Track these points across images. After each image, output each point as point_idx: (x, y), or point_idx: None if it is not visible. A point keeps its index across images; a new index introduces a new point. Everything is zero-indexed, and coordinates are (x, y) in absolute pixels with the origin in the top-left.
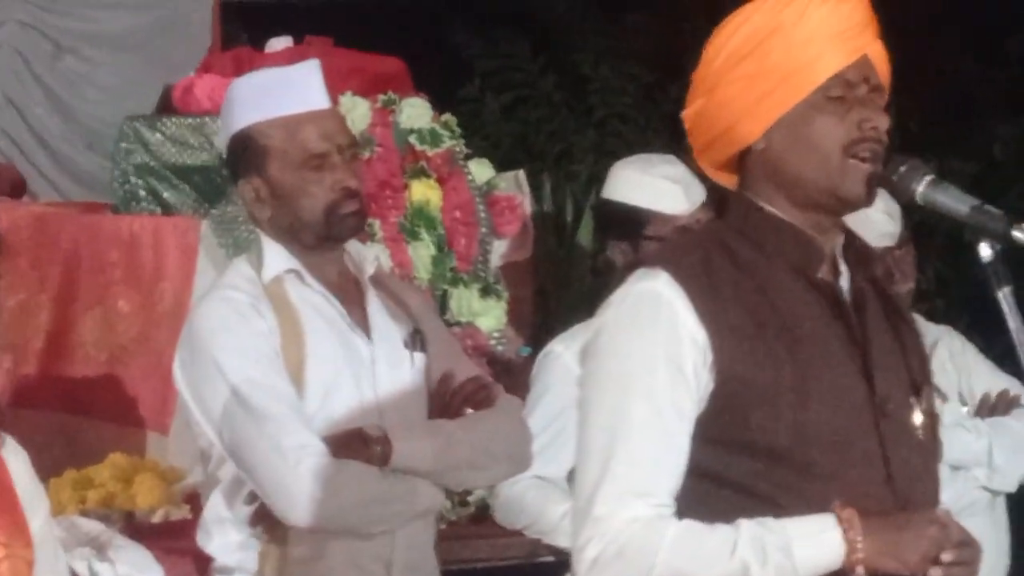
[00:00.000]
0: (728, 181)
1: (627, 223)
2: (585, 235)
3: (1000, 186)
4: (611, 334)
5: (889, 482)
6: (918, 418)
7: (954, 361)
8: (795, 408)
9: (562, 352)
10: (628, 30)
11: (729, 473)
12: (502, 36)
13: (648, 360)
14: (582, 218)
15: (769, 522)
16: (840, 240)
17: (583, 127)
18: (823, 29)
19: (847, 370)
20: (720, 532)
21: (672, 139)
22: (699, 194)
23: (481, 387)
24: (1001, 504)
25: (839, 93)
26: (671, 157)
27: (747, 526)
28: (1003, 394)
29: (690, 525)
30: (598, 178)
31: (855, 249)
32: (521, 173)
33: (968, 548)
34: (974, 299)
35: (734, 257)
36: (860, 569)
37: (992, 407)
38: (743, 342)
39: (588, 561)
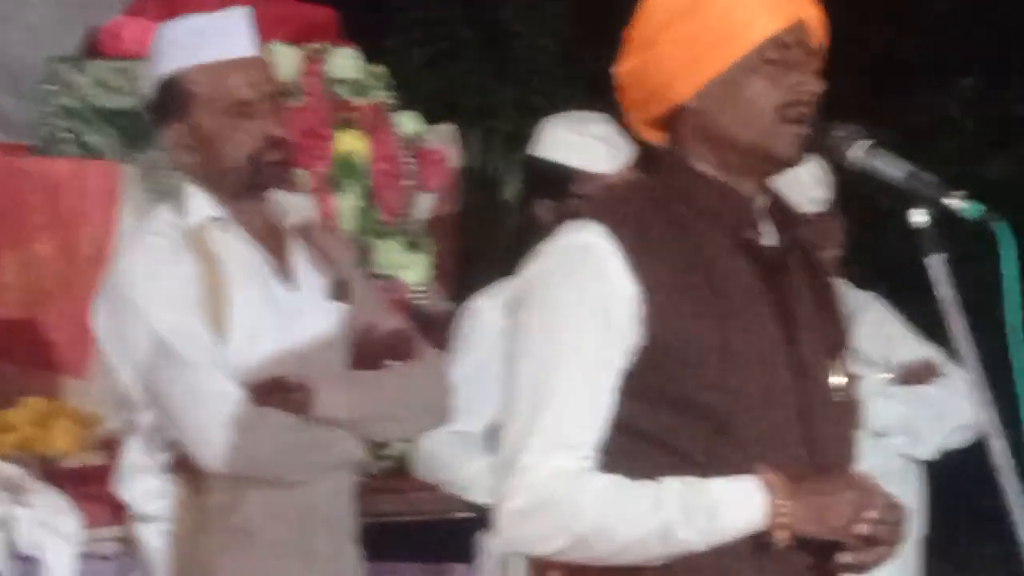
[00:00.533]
0: (656, 138)
1: (554, 180)
2: (510, 191)
3: (916, 154)
4: (541, 285)
5: (807, 443)
6: (838, 381)
7: (877, 328)
8: (720, 367)
9: (485, 307)
10: None
11: (652, 429)
12: None
13: (578, 312)
14: (507, 175)
15: (695, 483)
16: (766, 201)
17: (504, 83)
18: None
19: (771, 331)
20: (645, 489)
21: (593, 96)
22: (627, 154)
23: (403, 339)
24: (914, 472)
25: (774, 56)
26: (600, 115)
27: (673, 486)
28: (923, 362)
29: (616, 480)
30: (520, 135)
31: (781, 210)
32: (451, 127)
33: (893, 509)
34: (893, 266)
35: (666, 213)
36: (783, 533)
37: (912, 375)
38: (673, 298)
39: (511, 512)
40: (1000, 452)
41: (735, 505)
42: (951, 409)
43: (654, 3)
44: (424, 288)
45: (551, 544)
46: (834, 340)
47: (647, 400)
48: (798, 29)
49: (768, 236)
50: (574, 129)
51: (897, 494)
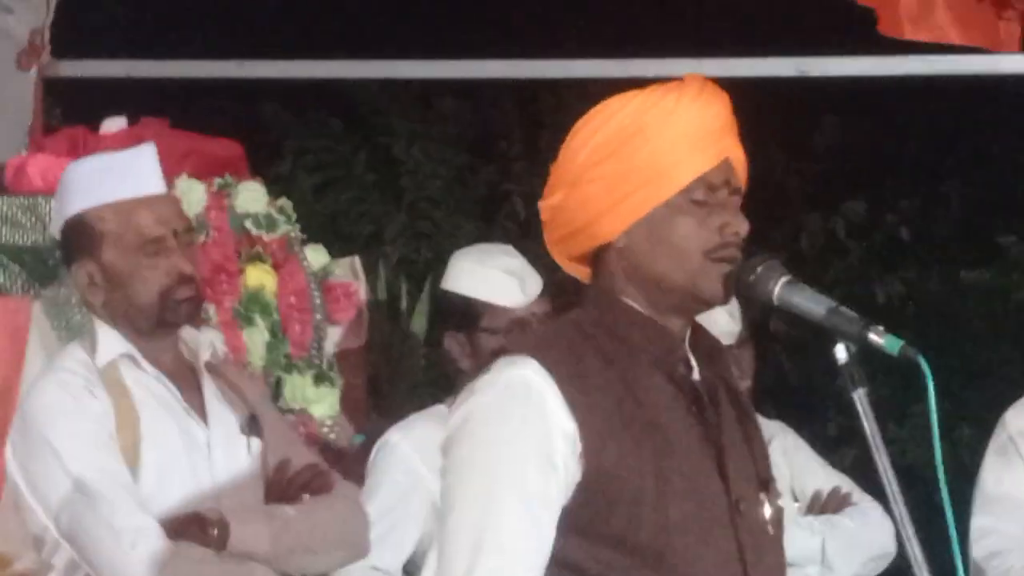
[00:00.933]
0: (580, 272)
1: (463, 314)
2: (419, 323)
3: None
4: (479, 422)
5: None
6: (767, 513)
7: (787, 458)
8: (656, 504)
9: (399, 441)
10: (439, 113)
11: (589, 565)
12: (314, 116)
13: (518, 450)
14: (416, 305)
15: None
16: (688, 335)
17: (394, 209)
18: (688, 132)
19: (704, 467)
20: None
21: (483, 222)
22: (536, 286)
23: (318, 473)
24: None
25: (701, 196)
26: (508, 248)
27: None
28: (834, 492)
29: None
30: (408, 260)
31: (705, 344)
32: (356, 259)
33: None
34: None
35: (597, 349)
36: None
37: (823, 505)
38: (610, 435)
39: None
40: None
41: None
42: (864, 539)
43: (581, 139)
44: (334, 422)
45: None
46: (760, 472)
47: (584, 536)
48: (725, 168)
49: (693, 369)
50: (480, 262)
51: None
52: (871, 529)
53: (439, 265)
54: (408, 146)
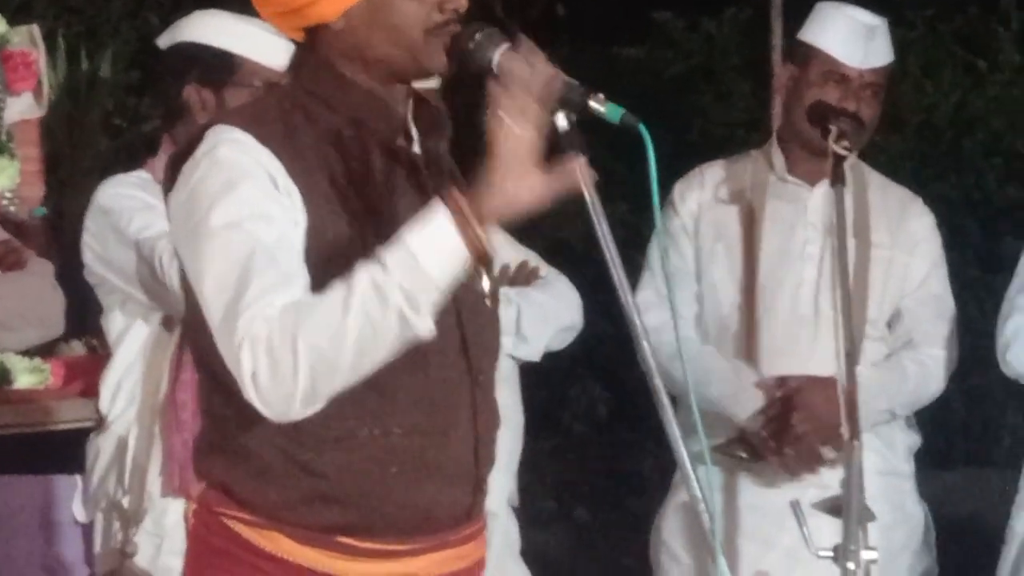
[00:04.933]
0: (299, 37)
1: (214, 67)
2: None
3: None
4: (210, 189)
5: (464, 348)
6: (486, 286)
7: None
8: None
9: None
10: None
11: None
12: None
13: (257, 202)
14: (96, 81)
15: (393, 244)
16: (410, 105)
17: None
18: None
19: None
20: (359, 275)
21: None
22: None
23: (11, 250)
24: (517, 374)
25: None
26: None
27: (379, 257)
28: (522, 265)
29: (327, 290)
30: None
31: (427, 113)
32: (35, 28)
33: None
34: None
35: (313, 120)
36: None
37: (512, 278)
38: (329, 204)
39: (249, 382)
40: (647, 354)
41: (430, 242)
42: (554, 310)
43: None
44: (13, 195)
45: (299, 380)
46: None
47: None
48: None
49: (413, 139)
50: (242, 18)
51: (503, 397)
52: (561, 301)
53: (89, 40)
54: None
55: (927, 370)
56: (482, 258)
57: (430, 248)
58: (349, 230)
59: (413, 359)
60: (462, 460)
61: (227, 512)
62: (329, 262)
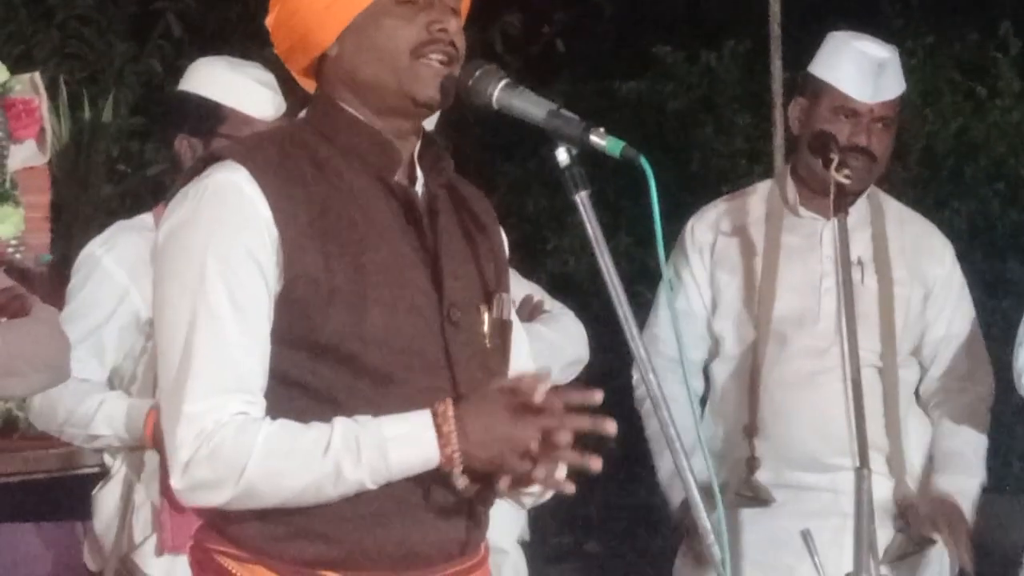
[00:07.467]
0: (310, 80)
1: (203, 118)
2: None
3: None
4: (190, 227)
5: (455, 389)
6: (486, 326)
7: None
8: (355, 312)
9: (102, 255)
10: None
11: (297, 374)
12: None
13: (229, 254)
14: (99, 127)
15: (367, 421)
16: (417, 145)
17: (44, 28)
18: None
19: (415, 275)
20: (314, 431)
21: (135, 42)
22: (282, 105)
23: (15, 297)
24: None
25: None
26: (257, 64)
27: (342, 425)
28: (527, 300)
29: (285, 424)
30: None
31: (432, 154)
32: (36, 75)
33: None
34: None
35: (312, 156)
36: (457, 470)
37: (521, 313)
38: (310, 242)
39: (181, 465)
40: (653, 387)
41: (405, 440)
42: (560, 346)
43: None
44: (19, 242)
45: (222, 493)
46: (485, 284)
47: (290, 345)
48: None
49: (418, 179)
50: (234, 69)
51: None
52: (566, 336)
53: (91, 86)
54: None
55: (978, 412)
56: (487, 297)
57: (403, 453)
58: (331, 263)
59: (401, 398)
60: (454, 495)
61: (216, 548)
62: (303, 302)
